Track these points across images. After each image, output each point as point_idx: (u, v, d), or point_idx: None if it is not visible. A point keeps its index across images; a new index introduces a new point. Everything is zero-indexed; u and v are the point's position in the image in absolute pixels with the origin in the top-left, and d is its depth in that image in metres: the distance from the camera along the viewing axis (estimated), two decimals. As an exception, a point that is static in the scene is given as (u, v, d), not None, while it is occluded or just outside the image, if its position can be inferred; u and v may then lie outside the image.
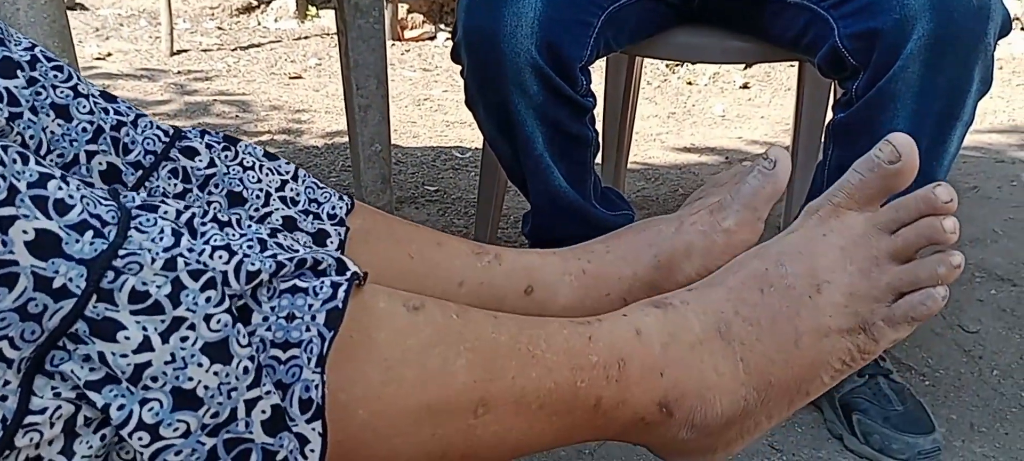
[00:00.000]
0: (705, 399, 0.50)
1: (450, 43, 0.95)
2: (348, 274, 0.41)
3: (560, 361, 0.46)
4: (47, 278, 0.32)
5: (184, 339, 0.34)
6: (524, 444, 0.46)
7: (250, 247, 0.39)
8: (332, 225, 0.57)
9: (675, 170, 1.83)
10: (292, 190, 0.57)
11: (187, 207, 0.40)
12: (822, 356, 0.51)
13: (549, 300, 0.62)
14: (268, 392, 0.37)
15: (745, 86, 2.53)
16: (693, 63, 2.48)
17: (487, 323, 0.46)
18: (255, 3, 3.39)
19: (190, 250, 0.36)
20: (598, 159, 1.19)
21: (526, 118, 0.89)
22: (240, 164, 0.56)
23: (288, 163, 0.59)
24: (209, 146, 0.55)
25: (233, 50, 2.81)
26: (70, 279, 0.32)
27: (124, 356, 0.33)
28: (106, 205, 0.36)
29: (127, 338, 0.33)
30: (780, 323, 0.50)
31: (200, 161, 0.54)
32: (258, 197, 0.56)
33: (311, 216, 0.57)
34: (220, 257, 0.37)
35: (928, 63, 0.78)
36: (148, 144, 0.53)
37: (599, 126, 1.03)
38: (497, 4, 0.83)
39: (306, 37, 3.05)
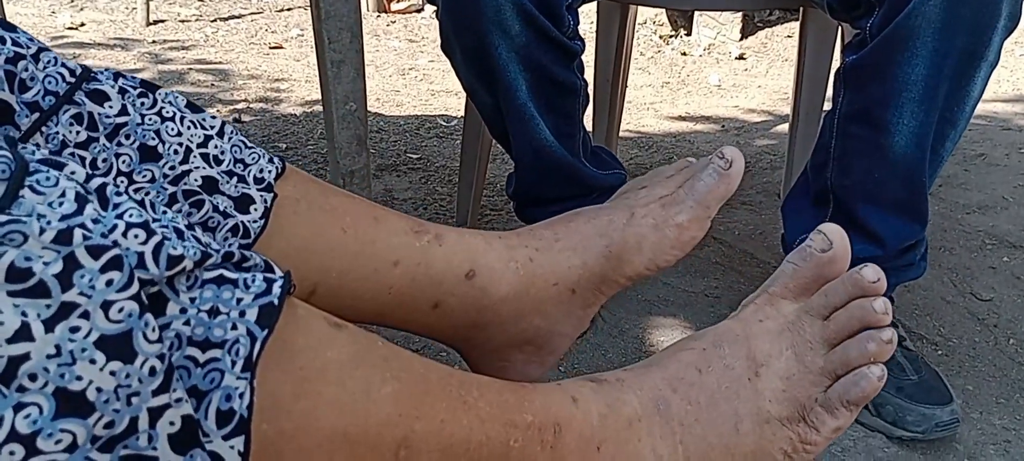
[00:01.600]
0: None
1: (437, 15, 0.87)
2: (282, 272, 0.35)
3: (493, 413, 0.42)
4: None
5: (74, 329, 0.27)
6: None
7: (168, 233, 0.32)
8: (258, 190, 0.51)
9: (669, 138, 1.76)
10: (216, 147, 0.50)
11: (99, 171, 0.33)
12: (763, 445, 0.49)
13: (491, 286, 0.57)
14: (178, 400, 0.30)
15: (741, 57, 2.45)
16: (690, 10, 2.40)
17: (415, 358, 0.41)
18: (237, -25, 3.30)
19: (95, 221, 0.29)
20: (589, 125, 1.11)
21: (507, 62, 0.81)
22: (158, 114, 0.49)
23: (214, 116, 0.52)
24: (122, 91, 0.48)
25: (212, 21, 2.72)
26: None
27: None
28: None
29: (1, 324, 0.26)
30: (719, 404, 0.49)
31: (110, 107, 0.47)
32: (176, 153, 0.49)
33: (235, 178, 0.50)
34: (136, 236, 0.30)
35: (951, -5, 0.70)
36: (49, 83, 0.46)
37: (590, 92, 0.96)
38: (474, -68, 0.76)
39: (289, 8, 2.96)
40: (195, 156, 0.49)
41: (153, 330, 0.29)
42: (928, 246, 0.91)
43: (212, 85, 1.97)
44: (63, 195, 0.29)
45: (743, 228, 1.32)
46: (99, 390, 0.27)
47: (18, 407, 0.26)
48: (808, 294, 0.52)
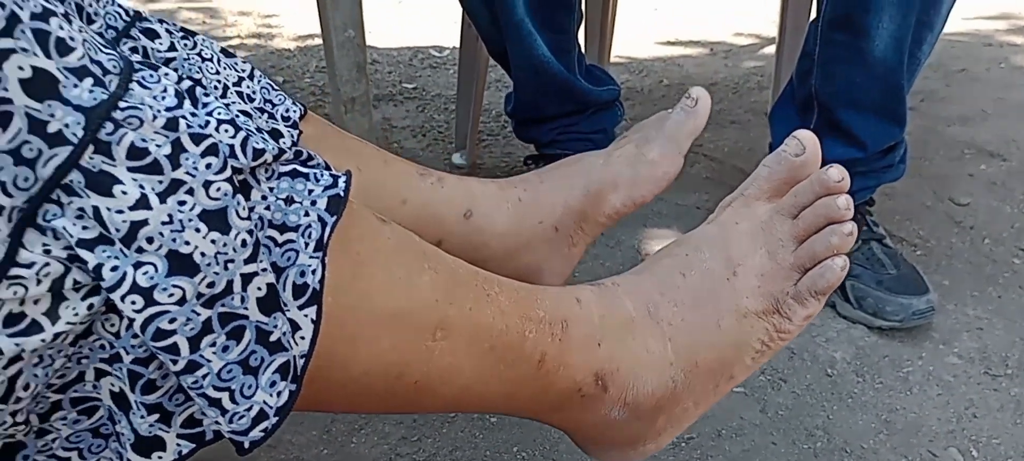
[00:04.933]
0: (637, 376, 0.51)
1: None
2: (344, 171, 0.40)
3: (511, 308, 0.47)
4: (42, 121, 0.29)
5: (182, 203, 0.32)
6: (470, 391, 0.46)
7: (251, 130, 0.37)
8: (286, 126, 0.56)
9: (660, 62, 1.79)
10: (248, 87, 0.55)
11: (189, 77, 0.37)
12: (743, 337, 0.53)
13: (486, 225, 0.64)
14: (264, 269, 0.35)
15: (729, -18, 2.46)
16: None
17: (446, 254, 0.46)
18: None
19: (193, 114, 0.34)
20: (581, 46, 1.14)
21: (505, -20, 0.84)
22: (199, 54, 0.54)
23: (244, 62, 0.57)
24: (169, 31, 0.53)
25: (198, -41, 2.70)
26: (66, 125, 0.30)
27: (120, 213, 0.30)
28: (107, 53, 0.33)
29: (124, 193, 0.31)
30: (702, 304, 0.53)
31: (160, 44, 0.52)
32: (216, 88, 0.53)
33: (266, 115, 0.55)
34: (226, 131, 0.35)
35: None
36: (110, 18, 0.51)
37: (583, 9, 0.99)
38: None
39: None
40: (231, 93, 0.54)
41: (243, 208, 0.34)
42: (907, 149, 0.95)
43: (203, 23, 1.98)
44: (165, 91, 0.33)
45: (732, 145, 1.36)
46: (203, 254, 0.32)
47: (137, 265, 0.31)
48: (781, 195, 0.56)
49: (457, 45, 1.83)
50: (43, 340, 0.31)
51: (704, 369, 0.53)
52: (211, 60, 0.54)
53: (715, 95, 1.58)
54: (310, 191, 0.38)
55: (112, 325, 0.33)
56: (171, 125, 0.32)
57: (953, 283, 0.97)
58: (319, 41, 1.85)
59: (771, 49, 1.84)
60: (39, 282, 0.30)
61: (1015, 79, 1.66)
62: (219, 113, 0.35)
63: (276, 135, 0.55)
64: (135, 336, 0.34)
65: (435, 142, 1.36)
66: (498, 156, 1.31)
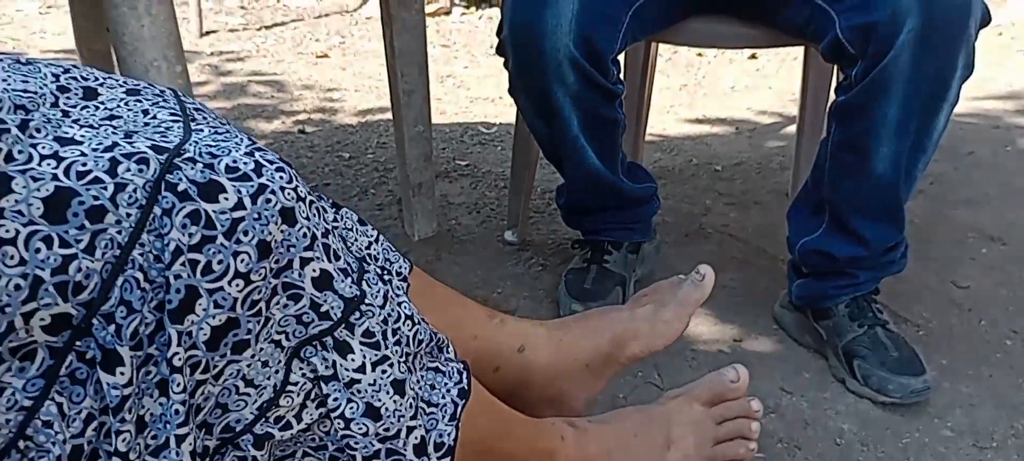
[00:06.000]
0: None
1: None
2: (462, 363, 0.61)
3: (523, 440, 0.72)
4: (318, 303, 0.47)
5: (384, 372, 0.51)
6: None
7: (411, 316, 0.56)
8: (398, 280, 0.73)
9: (689, 141, 1.94)
10: (375, 250, 0.71)
11: (384, 278, 0.56)
12: None
13: (534, 358, 0.82)
14: (418, 426, 0.54)
15: (753, 56, 2.63)
16: (708, 48, 2.57)
17: (495, 401, 0.69)
18: (274, -19, 3.49)
19: (394, 309, 0.54)
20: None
21: (564, 104, 1.01)
22: (346, 227, 0.70)
23: (372, 229, 0.73)
24: (346, 214, 0.71)
25: (259, 29, 2.92)
26: (332, 307, 0.47)
27: (346, 369, 0.49)
28: (354, 258, 0.53)
29: (353, 359, 0.49)
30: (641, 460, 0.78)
31: (362, 240, 0.70)
32: (359, 253, 0.71)
33: (385, 272, 0.72)
34: (407, 323, 0.55)
35: (917, 53, 0.89)
36: (345, 231, 0.68)
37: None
38: (539, 5, 0.95)
39: (326, 15, 3.15)
40: (369, 261, 0.69)
41: (411, 384, 0.54)
42: (908, 246, 1.10)
43: (272, 97, 2.17)
44: (386, 296, 0.53)
45: (756, 225, 1.51)
46: (387, 409, 0.53)
47: (348, 401, 0.48)
48: (713, 404, 0.82)
49: (503, 122, 2.00)
50: (292, 434, 0.48)
51: None
52: (352, 230, 0.70)
53: (740, 175, 1.74)
54: (445, 385, 0.57)
55: (323, 426, 0.51)
56: (389, 318, 0.51)
57: (950, 362, 1.11)
58: (379, 118, 2.04)
59: (792, 128, 2.00)
60: (298, 395, 0.47)
61: (1020, 164, 1.80)
62: (406, 307, 0.52)
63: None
64: (332, 437, 0.52)
65: (488, 219, 1.52)
66: (545, 234, 1.47)
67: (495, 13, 3.26)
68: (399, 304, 0.53)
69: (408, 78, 1.32)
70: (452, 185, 1.67)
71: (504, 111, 2.10)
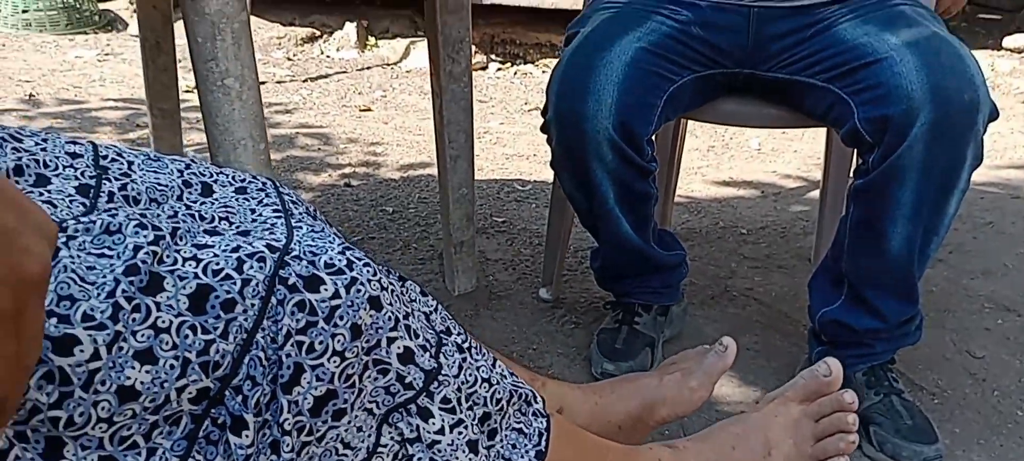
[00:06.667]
0: None
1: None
2: (546, 418, 0.68)
3: None
4: (403, 375, 0.57)
5: (459, 433, 0.59)
6: None
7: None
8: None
9: (715, 203, 2.03)
10: (434, 319, 0.80)
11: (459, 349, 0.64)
12: None
13: (572, 419, 0.88)
14: None
15: (780, 119, 2.71)
16: (736, 127, 2.66)
17: (593, 444, 0.77)
18: (318, 33, 3.64)
19: (472, 372, 0.63)
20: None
21: (602, 180, 1.10)
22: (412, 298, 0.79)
23: (433, 299, 0.82)
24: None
25: (304, 81, 3.06)
26: (415, 379, 0.57)
27: (429, 432, 0.58)
28: (434, 334, 0.62)
29: (433, 423, 0.58)
30: None
31: (458, 337, 0.79)
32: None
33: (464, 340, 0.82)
34: (483, 385, 0.63)
35: (930, 144, 0.97)
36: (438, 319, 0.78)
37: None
38: (582, 92, 1.05)
39: (368, 67, 3.29)
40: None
41: (486, 443, 0.62)
42: (923, 318, 1.17)
43: (319, 150, 2.29)
44: (458, 370, 0.61)
45: (779, 290, 1.58)
46: None
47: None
48: (809, 402, 0.84)
49: (537, 179, 2.09)
50: None
51: None
52: (416, 300, 0.78)
53: (765, 239, 1.81)
54: (525, 446, 0.65)
55: None
56: (464, 386, 0.60)
57: (963, 431, 1.17)
58: (422, 172, 2.14)
59: (815, 193, 2.07)
60: (387, 456, 0.55)
61: (1037, 235, 1.85)
62: (484, 372, 0.61)
63: None
64: None
65: (524, 275, 1.61)
66: (578, 292, 1.55)
67: (530, 69, 3.39)
68: (477, 369, 0.61)
69: (455, 145, 1.42)
70: (489, 241, 1.76)
71: (539, 169, 2.20)
